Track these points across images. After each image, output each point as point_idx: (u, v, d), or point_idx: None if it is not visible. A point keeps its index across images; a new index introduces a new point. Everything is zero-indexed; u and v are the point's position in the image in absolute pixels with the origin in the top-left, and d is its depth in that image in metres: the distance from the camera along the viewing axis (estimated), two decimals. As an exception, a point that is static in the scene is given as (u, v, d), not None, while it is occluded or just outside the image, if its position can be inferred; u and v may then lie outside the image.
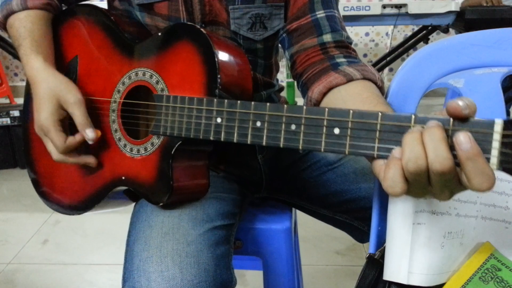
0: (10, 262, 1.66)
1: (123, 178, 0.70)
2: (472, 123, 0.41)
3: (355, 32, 3.84)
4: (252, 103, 0.53)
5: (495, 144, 0.40)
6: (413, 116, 0.44)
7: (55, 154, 0.71)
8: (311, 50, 0.74)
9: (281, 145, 0.51)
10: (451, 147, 0.41)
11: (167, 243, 0.63)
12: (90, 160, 0.72)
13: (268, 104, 0.52)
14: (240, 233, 0.86)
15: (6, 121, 2.42)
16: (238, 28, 0.77)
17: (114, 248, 1.72)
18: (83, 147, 0.72)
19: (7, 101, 3.64)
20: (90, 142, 0.69)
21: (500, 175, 0.42)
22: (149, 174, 0.67)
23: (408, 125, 0.44)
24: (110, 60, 0.74)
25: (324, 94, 0.68)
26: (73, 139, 0.69)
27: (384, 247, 0.54)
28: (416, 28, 2.93)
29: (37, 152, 0.82)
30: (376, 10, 2.44)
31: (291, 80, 3.35)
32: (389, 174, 0.43)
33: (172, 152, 0.64)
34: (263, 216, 0.90)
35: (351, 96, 0.65)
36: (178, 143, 0.63)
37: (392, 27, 3.56)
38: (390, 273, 0.52)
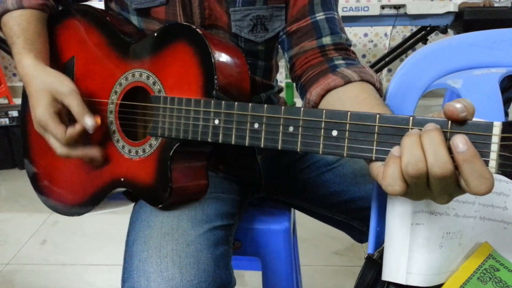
0: (9, 263, 1.65)
1: (122, 179, 0.70)
2: (470, 125, 0.40)
3: (353, 33, 3.84)
4: (250, 104, 0.53)
5: (494, 147, 0.39)
6: (411, 118, 0.44)
7: (59, 148, 0.69)
8: (310, 53, 0.74)
9: (279, 147, 0.51)
10: (449, 150, 0.40)
11: (167, 243, 0.63)
12: (95, 152, 0.70)
13: (265, 105, 0.52)
14: (239, 234, 0.86)
15: (5, 121, 2.41)
16: (239, 30, 0.77)
17: (113, 249, 1.72)
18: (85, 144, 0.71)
19: (6, 101, 3.63)
20: (90, 131, 0.67)
21: (499, 175, 0.42)
22: (148, 175, 0.67)
23: (407, 128, 0.44)
24: (106, 61, 0.73)
25: (322, 96, 0.68)
26: (73, 130, 0.67)
27: (383, 248, 0.54)
28: (414, 29, 2.94)
29: (36, 153, 0.82)
30: (375, 10, 2.44)
31: (290, 80, 3.34)
32: (389, 172, 0.43)
33: (171, 154, 0.63)
34: (262, 216, 0.90)
35: (349, 98, 0.65)
36: (176, 145, 0.63)
37: (390, 27, 3.56)
38: (389, 273, 0.52)
